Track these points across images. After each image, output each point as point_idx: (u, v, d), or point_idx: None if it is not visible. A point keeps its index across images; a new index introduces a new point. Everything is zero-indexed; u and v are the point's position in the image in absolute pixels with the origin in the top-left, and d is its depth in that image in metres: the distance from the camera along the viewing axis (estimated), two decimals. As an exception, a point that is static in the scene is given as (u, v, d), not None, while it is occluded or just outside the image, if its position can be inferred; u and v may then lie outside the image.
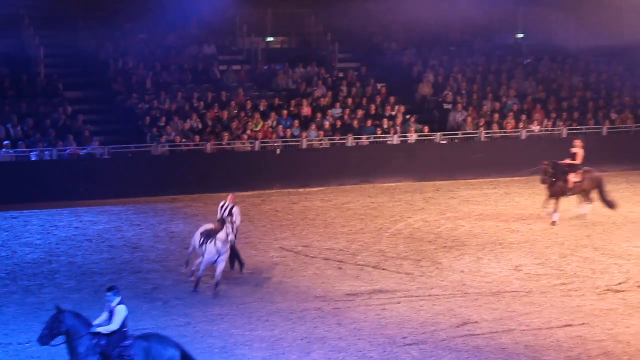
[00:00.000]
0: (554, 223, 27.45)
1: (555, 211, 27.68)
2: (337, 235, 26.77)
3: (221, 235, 20.74)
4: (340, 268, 23.39)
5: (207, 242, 20.91)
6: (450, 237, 26.38)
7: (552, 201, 27.86)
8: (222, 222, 21.03)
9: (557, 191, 27.85)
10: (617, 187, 32.36)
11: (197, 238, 21.50)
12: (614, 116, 37.36)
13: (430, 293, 21.25)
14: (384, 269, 23.21)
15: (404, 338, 18.17)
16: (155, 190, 31.67)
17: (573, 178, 27.93)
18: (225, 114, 34.18)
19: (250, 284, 21.96)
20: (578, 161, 28.22)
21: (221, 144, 33.10)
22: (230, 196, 21.94)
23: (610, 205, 28.30)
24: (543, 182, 28.00)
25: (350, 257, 24.39)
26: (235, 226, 20.83)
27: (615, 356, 17.14)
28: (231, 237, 20.62)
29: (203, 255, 21.08)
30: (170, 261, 23.91)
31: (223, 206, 21.78)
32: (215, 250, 20.77)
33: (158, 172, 32.07)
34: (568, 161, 28.23)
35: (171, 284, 21.99)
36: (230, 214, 21.38)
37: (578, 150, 28.35)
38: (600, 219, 28.15)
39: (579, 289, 21.54)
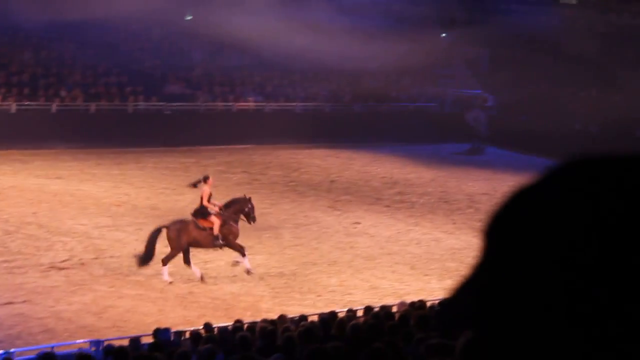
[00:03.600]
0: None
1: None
2: None
3: None
4: None
5: None
6: None
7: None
8: None
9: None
10: (66, 164, 32.55)
11: None
12: (63, 93, 37.46)
13: None
14: None
15: None
16: None
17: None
18: None
19: None
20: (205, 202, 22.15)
21: None
22: None
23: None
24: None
25: None
26: None
27: (57, 332, 17.19)
28: None
29: None
30: None
31: None
32: None
33: None
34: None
35: None
36: None
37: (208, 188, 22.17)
38: (46, 197, 28.07)
39: (23, 266, 21.35)
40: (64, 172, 31.30)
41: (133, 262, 22.05)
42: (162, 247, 21.26)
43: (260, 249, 24.16)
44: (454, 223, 28.71)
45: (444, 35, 50.27)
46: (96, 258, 22.37)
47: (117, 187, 30.11)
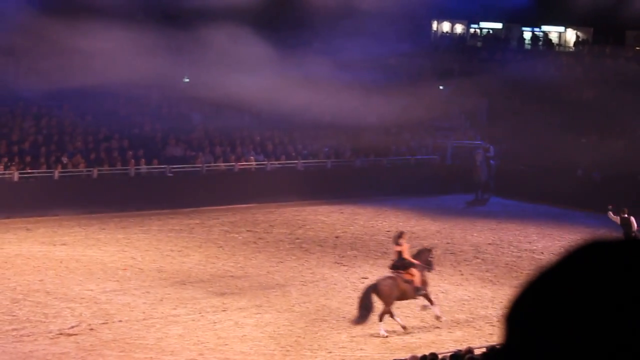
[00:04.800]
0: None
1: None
2: None
3: None
4: None
5: None
6: None
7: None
8: None
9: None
10: (70, 230, 32.49)
11: None
12: (65, 160, 37.48)
13: None
14: None
15: None
16: None
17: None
18: None
19: None
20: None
21: None
22: None
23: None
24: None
25: None
26: None
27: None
28: None
29: None
30: None
31: None
32: None
33: None
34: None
35: None
36: None
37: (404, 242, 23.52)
38: (52, 263, 28.00)
39: (31, 333, 21.26)
40: (69, 238, 31.24)
41: (142, 326, 21.99)
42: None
43: (268, 308, 24.09)
44: (462, 274, 28.65)
45: (441, 87, 50.53)
46: (105, 323, 22.28)
47: (122, 251, 30.02)
